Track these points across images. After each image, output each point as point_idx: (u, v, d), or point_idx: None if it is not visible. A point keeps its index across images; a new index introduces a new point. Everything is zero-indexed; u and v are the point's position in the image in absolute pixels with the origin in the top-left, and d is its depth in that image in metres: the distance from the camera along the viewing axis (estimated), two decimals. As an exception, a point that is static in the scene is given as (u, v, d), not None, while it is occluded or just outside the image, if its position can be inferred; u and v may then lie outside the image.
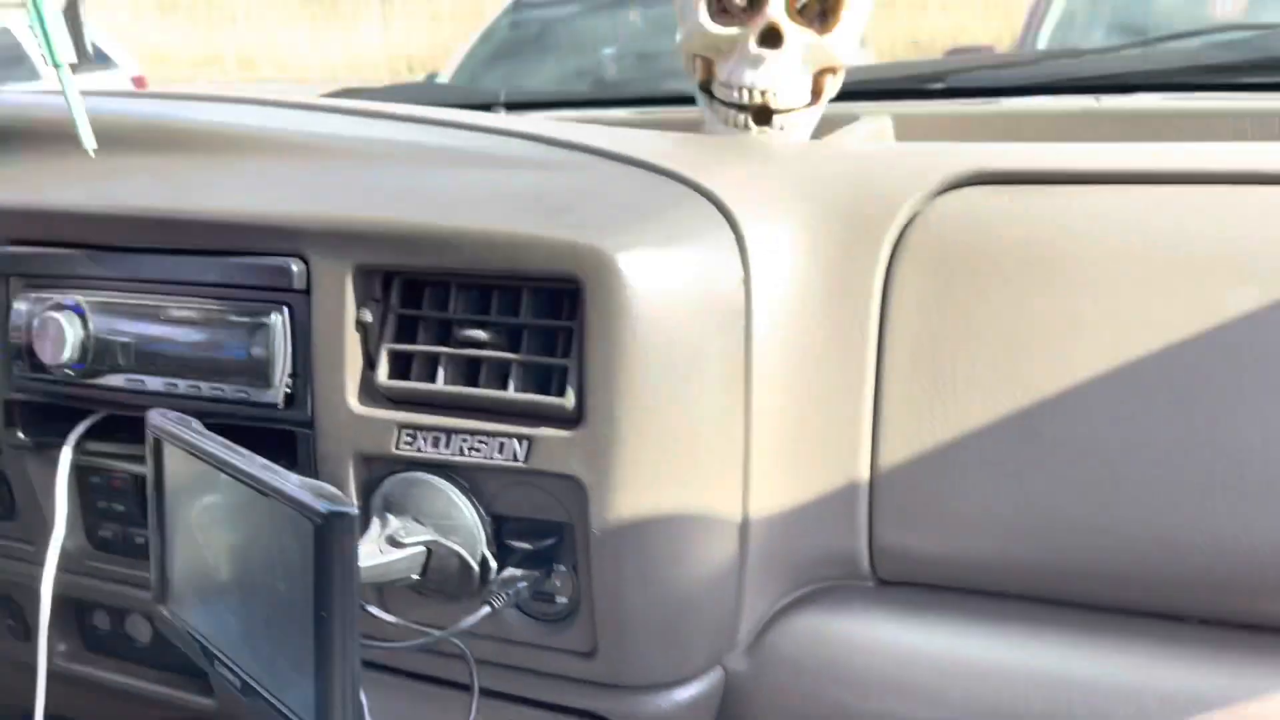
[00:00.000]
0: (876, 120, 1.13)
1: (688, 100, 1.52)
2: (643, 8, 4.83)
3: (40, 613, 0.89)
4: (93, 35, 7.86)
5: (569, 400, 0.70)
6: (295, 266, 0.76)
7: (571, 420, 0.71)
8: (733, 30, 0.98)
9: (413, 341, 0.76)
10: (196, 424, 0.72)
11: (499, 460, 0.72)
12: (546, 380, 0.72)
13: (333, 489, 0.60)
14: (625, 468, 0.70)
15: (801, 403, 0.75)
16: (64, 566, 0.91)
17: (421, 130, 0.92)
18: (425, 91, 1.51)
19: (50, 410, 0.88)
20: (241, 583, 0.68)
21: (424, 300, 0.76)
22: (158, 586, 0.74)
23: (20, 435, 0.89)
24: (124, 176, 0.84)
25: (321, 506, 0.57)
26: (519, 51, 4.73)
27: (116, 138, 0.80)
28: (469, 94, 1.47)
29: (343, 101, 1.05)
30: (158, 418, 0.74)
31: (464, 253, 0.72)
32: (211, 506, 0.70)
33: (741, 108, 0.98)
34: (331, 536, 0.56)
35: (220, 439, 0.69)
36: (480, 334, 0.73)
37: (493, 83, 4.63)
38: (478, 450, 0.73)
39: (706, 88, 1.04)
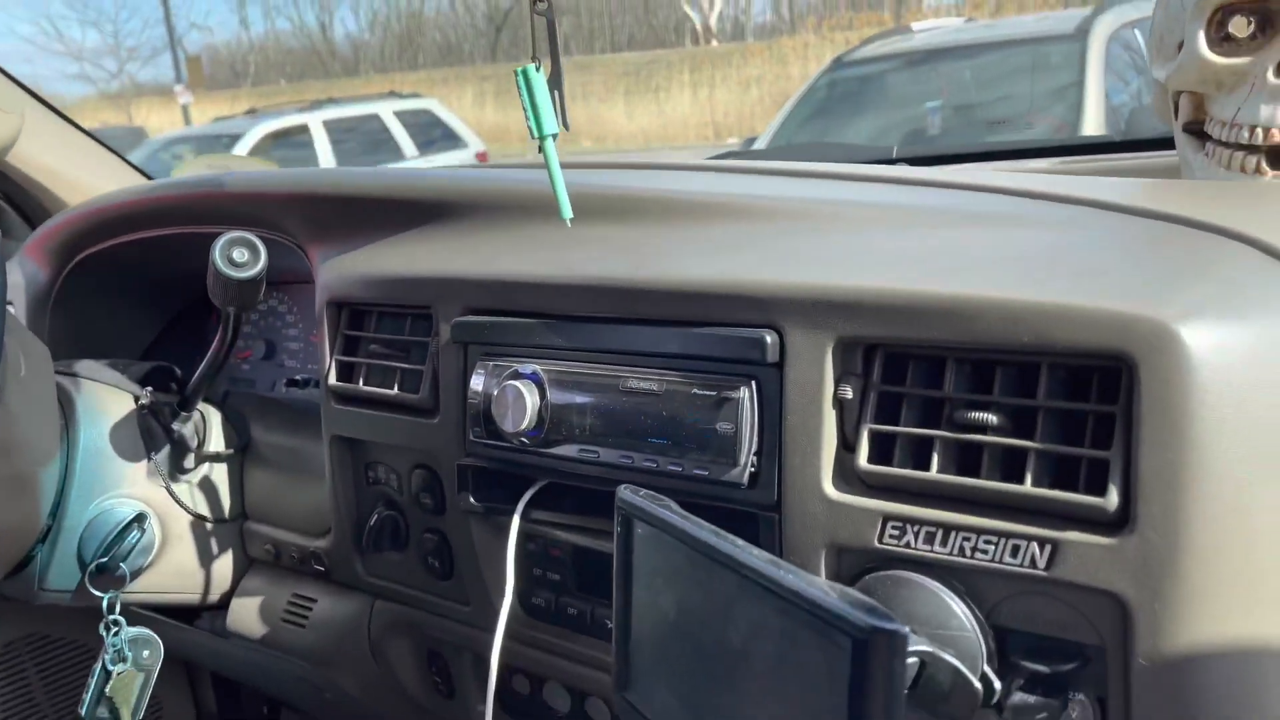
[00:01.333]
0: None
1: (1099, 148, 1.36)
2: (965, 59, 4.63)
3: (489, 679, 0.89)
4: (447, 119, 8.75)
5: (1110, 501, 0.59)
6: (769, 338, 0.71)
7: (1113, 525, 0.59)
8: (1241, 60, 0.83)
9: (894, 422, 0.68)
10: (673, 505, 0.67)
11: (1009, 565, 0.62)
12: (1066, 473, 0.61)
13: (870, 600, 0.52)
14: (1185, 585, 0.57)
15: None
16: (490, 628, 0.91)
17: (875, 190, 0.85)
18: (816, 150, 1.45)
19: (498, 476, 0.89)
20: (724, 682, 0.62)
21: (908, 375, 0.68)
22: (620, 672, 0.71)
23: (472, 500, 0.90)
24: (580, 246, 0.83)
25: (862, 621, 0.49)
26: (839, 109, 4.68)
27: (574, 208, 0.79)
28: (861, 151, 1.39)
29: (776, 163, 1.00)
30: (629, 494, 0.70)
31: (976, 325, 0.63)
32: (690, 595, 0.65)
33: (1252, 149, 0.83)
34: (876, 657, 0.49)
35: (704, 523, 0.64)
36: (990, 417, 0.63)
37: (813, 140, 4.66)
38: (983, 552, 0.63)
39: (1195, 129, 0.89)
